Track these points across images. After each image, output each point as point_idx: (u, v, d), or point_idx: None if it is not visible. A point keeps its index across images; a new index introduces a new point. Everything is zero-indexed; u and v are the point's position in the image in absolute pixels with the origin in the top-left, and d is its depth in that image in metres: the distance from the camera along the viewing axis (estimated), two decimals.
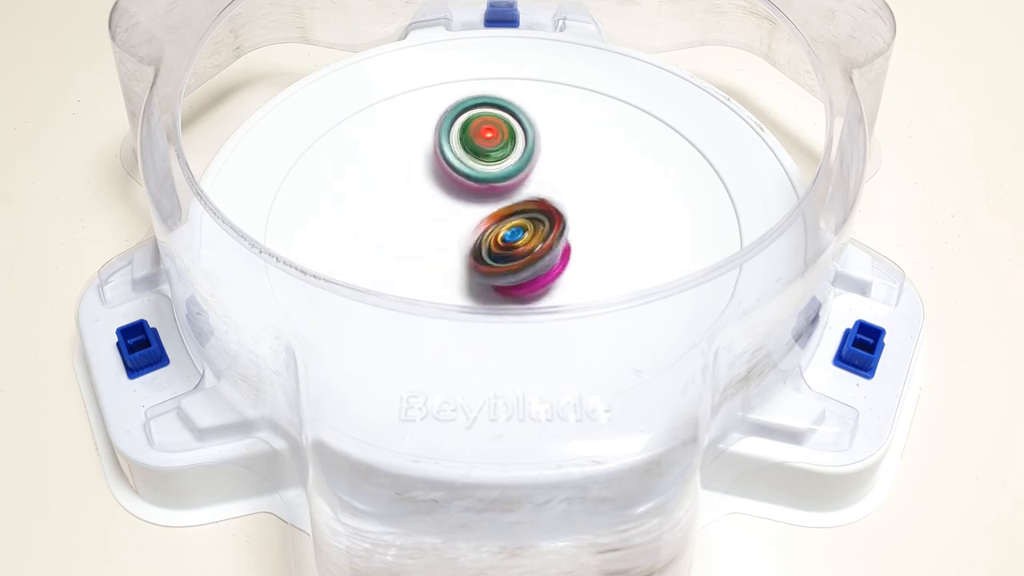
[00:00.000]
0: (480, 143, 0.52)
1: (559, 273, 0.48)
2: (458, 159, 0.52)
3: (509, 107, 0.53)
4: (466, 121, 0.53)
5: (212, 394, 0.47)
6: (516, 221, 0.49)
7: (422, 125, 0.55)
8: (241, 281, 0.46)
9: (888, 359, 0.49)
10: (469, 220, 0.51)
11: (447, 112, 0.53)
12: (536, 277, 0.48)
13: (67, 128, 0.63)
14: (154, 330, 0.49)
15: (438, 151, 0.52)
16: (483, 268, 0.48)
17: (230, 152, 0.54)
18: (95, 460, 0.49)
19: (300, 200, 0.52)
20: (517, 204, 0.50)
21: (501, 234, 0.48)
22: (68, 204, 0.59)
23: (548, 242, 0.47)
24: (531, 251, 0.47)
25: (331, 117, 0.56)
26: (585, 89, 0.57)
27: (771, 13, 0.55)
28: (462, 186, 0.52)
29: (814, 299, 0.48)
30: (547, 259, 0.47)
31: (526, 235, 0.48)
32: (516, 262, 0.47)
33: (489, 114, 0.53)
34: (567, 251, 0.49)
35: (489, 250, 0.48)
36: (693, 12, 0.60)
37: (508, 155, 0.52)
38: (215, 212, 0.45)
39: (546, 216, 0.48)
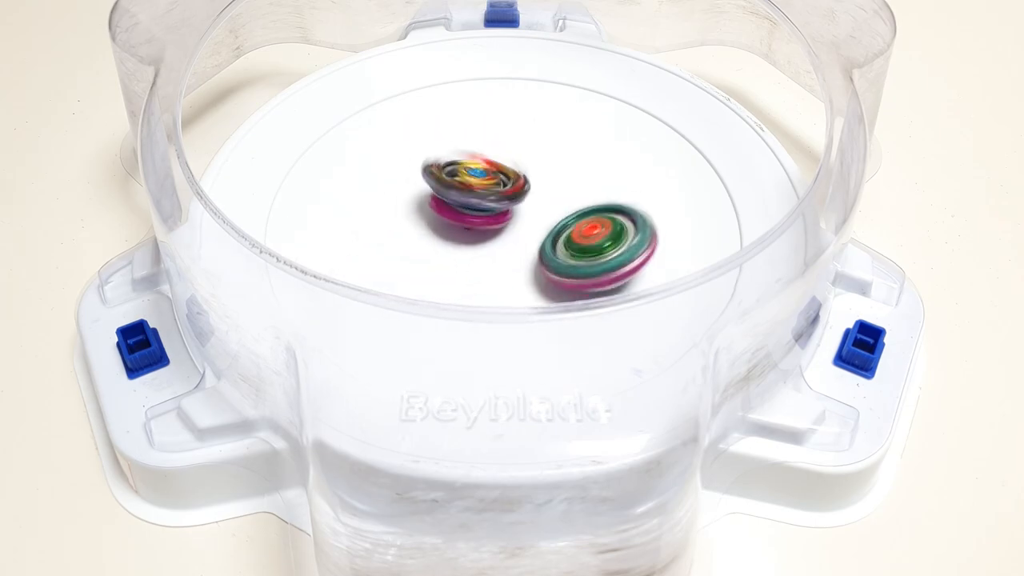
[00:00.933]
0: (583, 242, 0.48)
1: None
2: (561, 262, 0.48)
3: (615, 207, 0.50)
4: (568, 232, 0.49)
5: (212, 394, 0.47)
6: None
7: (422, 125, 0.56)
8: (241, 281, 0.46)
9: (888, 359, 0.49)
10: None
11: (551, 232, 0.50)
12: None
13: (67, 128, 0.63)
14: (154, 330, 0.49)
15: (544, 265, 0.49)
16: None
17: (230, 152, 0.54)
18: (95, 460, 0.49)
19: (300, 200, 0.52)
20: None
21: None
22: (68, 204, 0.59)
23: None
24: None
25: (331, 117, 0.56)
26: (585, 89, 0.57)
27: (771, 13, 0.55)
28: (571, 288, 0.48)
29: (814, 299, 0.48)
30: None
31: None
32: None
33: (592, 218, 0.49)
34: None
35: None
36: (693, 12, 0.60)
37: (618, 245, 0.48)
38: (215, 212, 0.45)
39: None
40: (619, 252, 0.47)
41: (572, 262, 0.48)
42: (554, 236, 0.49)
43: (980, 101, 0.64)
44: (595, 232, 0.48)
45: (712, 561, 0.46)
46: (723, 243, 0.50)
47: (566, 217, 0.50)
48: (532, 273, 0.50)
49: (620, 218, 0.49)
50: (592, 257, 0.47)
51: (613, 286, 0.47)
